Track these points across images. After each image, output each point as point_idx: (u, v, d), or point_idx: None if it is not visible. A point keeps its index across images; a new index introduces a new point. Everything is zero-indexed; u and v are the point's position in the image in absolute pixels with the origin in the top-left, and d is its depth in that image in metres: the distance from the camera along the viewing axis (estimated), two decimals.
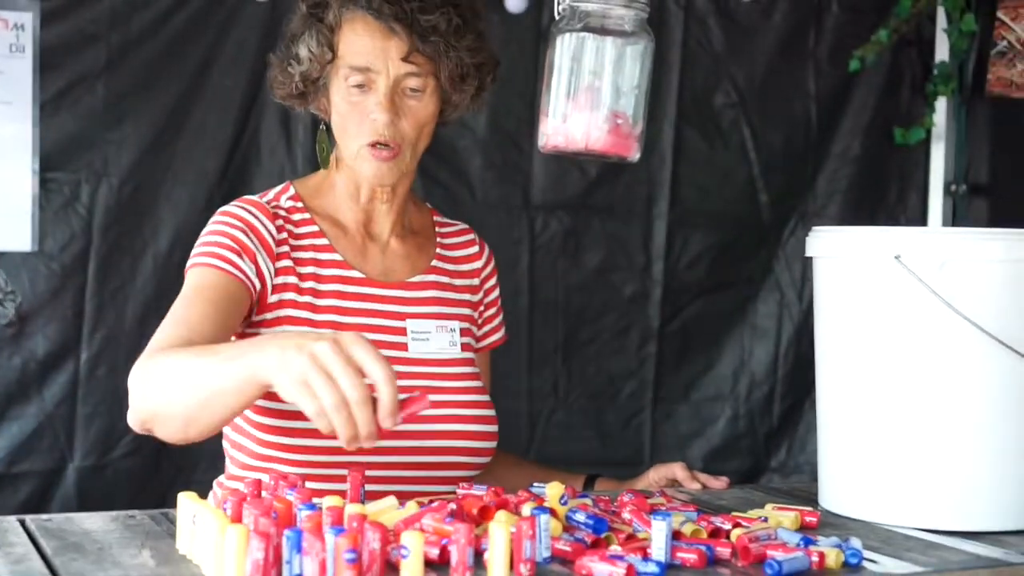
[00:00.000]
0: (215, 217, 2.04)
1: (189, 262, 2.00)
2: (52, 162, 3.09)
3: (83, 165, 3.11)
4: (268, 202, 2.07)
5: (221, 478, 2.14)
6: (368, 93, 2.00)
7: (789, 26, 3.74)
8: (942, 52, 3.80)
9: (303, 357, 1.49)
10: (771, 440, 3.78)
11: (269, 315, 2.00)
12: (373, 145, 1.99)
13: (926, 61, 3.83)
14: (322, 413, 1.48)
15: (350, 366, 1.49)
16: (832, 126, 3.81)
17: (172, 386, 1.70)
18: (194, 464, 3.14)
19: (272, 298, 2.00)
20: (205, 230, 2.03)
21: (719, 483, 2.12)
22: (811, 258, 1.98)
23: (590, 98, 1.63)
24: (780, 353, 3.77)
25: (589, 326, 3.63)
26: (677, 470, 2.14)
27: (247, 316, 1.99)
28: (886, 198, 3.89)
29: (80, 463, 3.14)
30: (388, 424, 1.49)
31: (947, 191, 3.85)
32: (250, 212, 2.02)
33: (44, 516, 1.75)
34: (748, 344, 3.77)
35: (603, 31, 1.64)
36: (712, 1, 3.64)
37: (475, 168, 3.48)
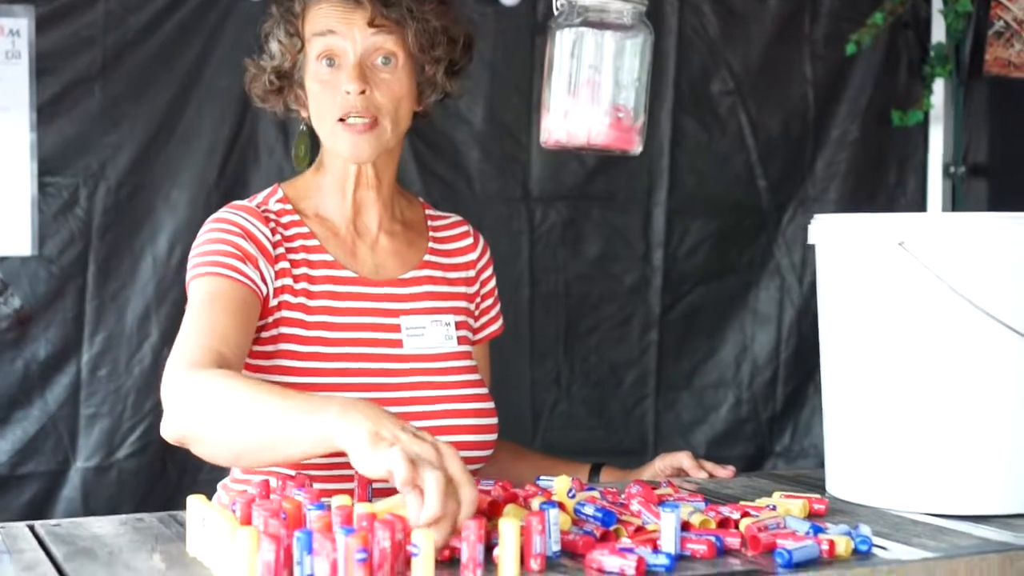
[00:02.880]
0: (209, 224, 2.02)
1: (191, 272, 1.98)
2: (50, 166, 3.09)
3: (81, 168, 3.12)
4: (258, 206, 2.06)
5: (226, 480, 2.13)
6: (338, 70, 2.00)
7: (784, 11, 3.74)
8: (939, 33, 3.80)
9: (401, 447, 1.47)
10: (775, 425, 3.79)
11: (270, 319, 2.00)
12: (344, 119, 1.99)
13: (923, 43, 3.84)
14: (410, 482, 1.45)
15: (444, 478, 1.47)
16: (830, 110, 3.81)
17: (229, 419, 1.66)
18: (199, 465, 3.14)
19: (272, 302, 2.00)
20: (201, 238, 2.01)
21: (726, 472, 2.11)
22: (813, 245, 1.98)
23: (591, 93, 1.63)
24: (782, 338, 3.78)
25: (590, 316, 3.63)
26: (683, 459, 2.14)
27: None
28: (885, 181, 3.89)
29: (83, 464, 3.14)
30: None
31: (946, 173, 3.85)
32: (244, 218, 2.01)
33: (52, 522, 1.75)
34: (750, 330, 3.77)
35: (602, 25, 1.64)
36: None
37: (473, 161, 3.48)
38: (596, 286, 3.65)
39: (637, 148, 1.68)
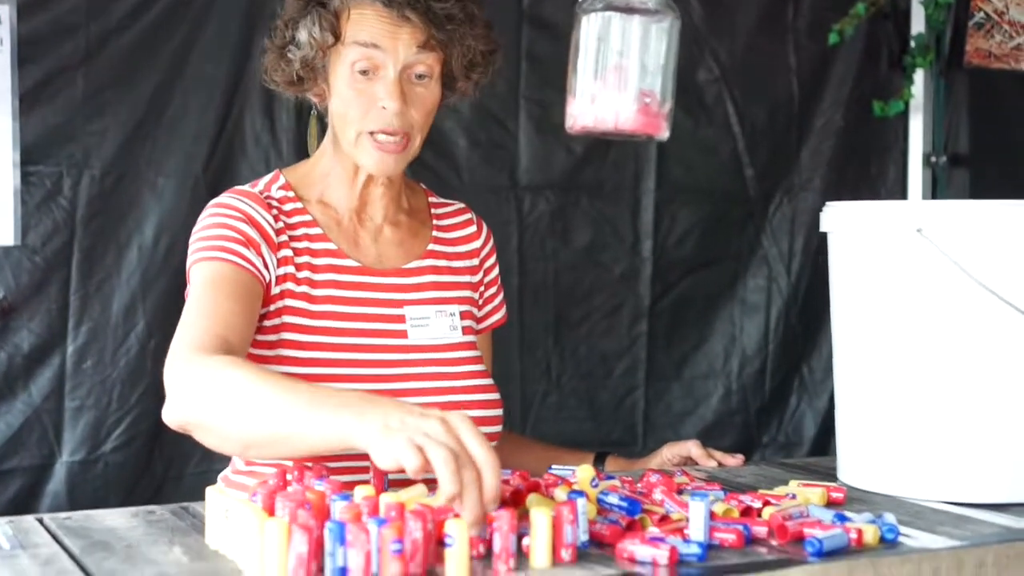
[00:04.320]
0: (210, 209, 1.99)
1: (192, 257, 1.95)
2: (33, 155, 3.03)
3: (64, 157, 3.06)
4: (260, 192, 2.03)
5: (226, 472, 2.10)
6: (374, 80, 1.96)
7: (768, 1, 3.74)
8: (919, 24, 3.81)
9: (408, 435, 1.43)
10: (763, 415, 3.79)
11: (272, 307, 1.97)
12: (376, 134, 1.96)
13: (903, 33, 3.84)
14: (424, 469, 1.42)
15: (461, 448, 1.43)
16: (814, 100, 3.81)
17: (239, 410, 1.61)
18: (187, 458, 3.10)
19: (275, 290, 1.97)
20: (202, 223, 1.98)
21: (735, 460, 2.11)
22: (826, 233, 1.97)
23: (618, 78, 1.61)
24: (770, 328, 3.78)
25: (580, 306, 3.62)
26: (692, 447, 2.13)
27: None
28: (868, 171, 3.90)
29: (69, 458, 3.09)
30: (490, 510, 1.43)
31: (926, 162, 3.86)
32: (246, 203, 1.98)
33: (63, 514, 1.72)
34: (738, 320, 3.77)
35: (628, 10, 1.62)
36: None
37: (461, 150, 3.45)
38: (586, 276, 3.63)
39: (664, 133, 1.67)
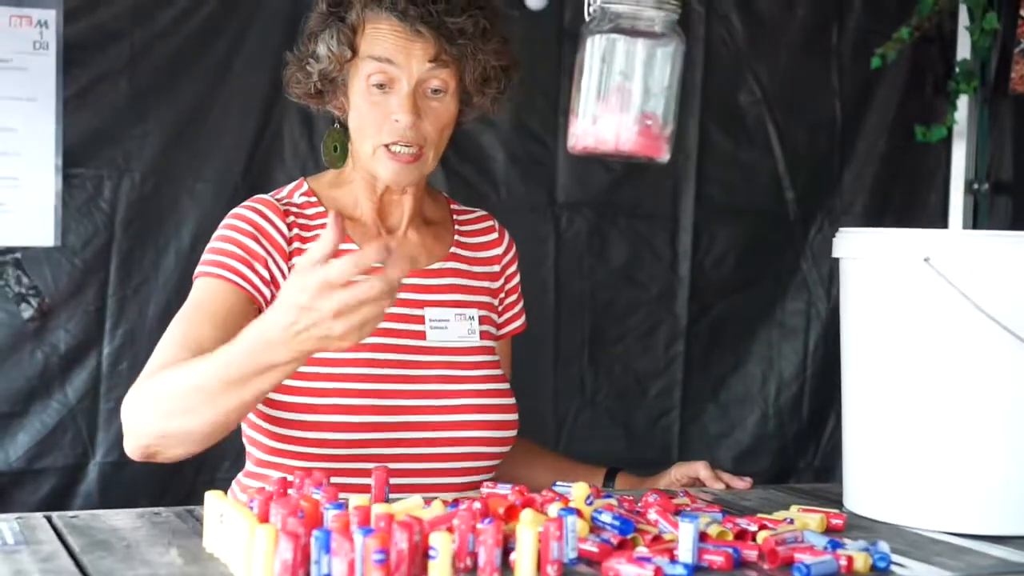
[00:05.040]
0: (226, 220, 2.04)
1: (198, 268, 2.01)
2: (75, 158, 3.09)
3: (106, 161, 3.11)
4: (280, 199, 2.07)
5: (239, 475, 2.14)
6: (389, 93, 1.99)
7: (812, 23, 3.73)
8: (964, 50, 3.78)
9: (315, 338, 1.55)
10: (800, 440, 3.76)
11: None
12: (391, 146, 1.99)
13: (948, 59, 3.82)
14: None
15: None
16: (857, 124, 3.80)
17: (182, 403, 1.74)
18: (218, 461, 3.14)
19: None
20: (216, 233, 2.04)
21: (743, 483, 2.11)
22: (838, 259, 1.98)
23: (620, 99, 1.63)
24: (808, 352, 3.76)
25: (616, 325, 3.61)
26: (700, 469, 2.14)
27: None
28: (909, 196, 3.87)
29: (102, 459, 3.14)
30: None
31: (968, 189, 3.83)
32: (259, 213, 2.02)
33: (70, 513, 1.75)
34: (776, 343, 3.75)
35: (633, 32, 1.64)
36: None
37: (500, 166, 3.47)
38: (622, 294, 3.63)
39: (665, 156, 1.67)
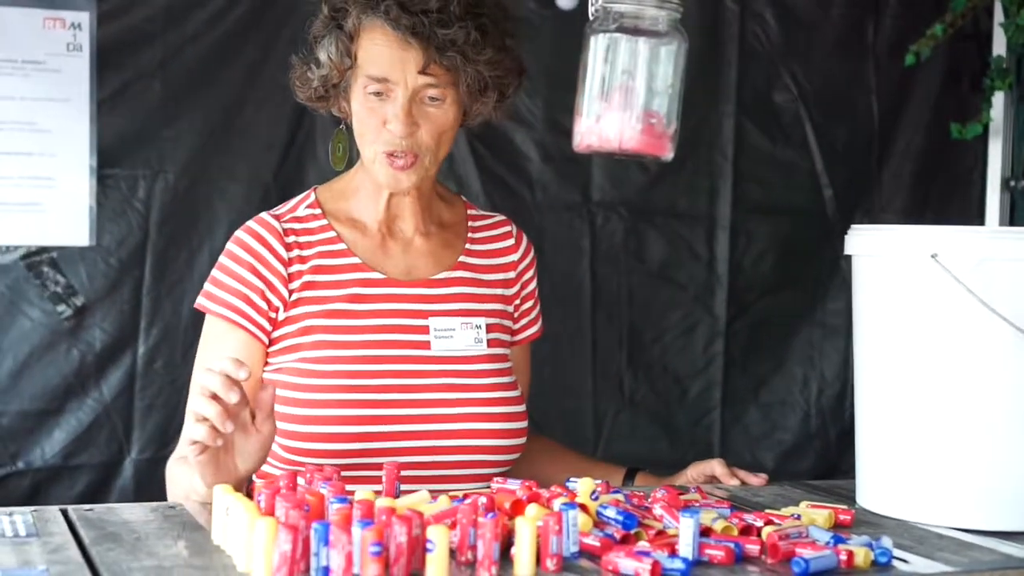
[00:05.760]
0: (227, 246, 2.10)
1: (202, 299, 2.09)
2: (109, 159, 3.14)
3: (140, 161, 3.16)
4: (283, 216, 2.10)
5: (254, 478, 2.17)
6: (386, 101, 2.01)
7: (847, 21, 3.72)
8: (999, 46, 3.75)
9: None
10: (843, 441, 3.73)
11: (292, 327, 2.05)
12: (390, 154, 2.02)
13: (984, 56, 3.79)
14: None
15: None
16: (894, 121, 3.77)
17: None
18: None
19: (292, 312, 2.05)
20: (219, 260, 2.10)
21: (758, 480, 2.11)
22: (850, 256, 1.98)
23: (623, 98, 1.63)
24: (850, 352, 3.72)
25: (654, 325, 3.60)
26: (716, 466, 2.14)
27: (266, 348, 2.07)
28: (948, 193, 3.85)
29: (137, 456, 3.18)
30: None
31: (1005, 186, 3.81)
32: (258, 238, 2.07)
33: (86, 507, 1.78)
34: (818, 343, 3.73)
35: (636, 31, 1.64)
36: None
37: (534, 166, 3.48)
38: (659, 294, 3.62)
39: (669, 154, 1.68)
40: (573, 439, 3.42)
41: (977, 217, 3.86)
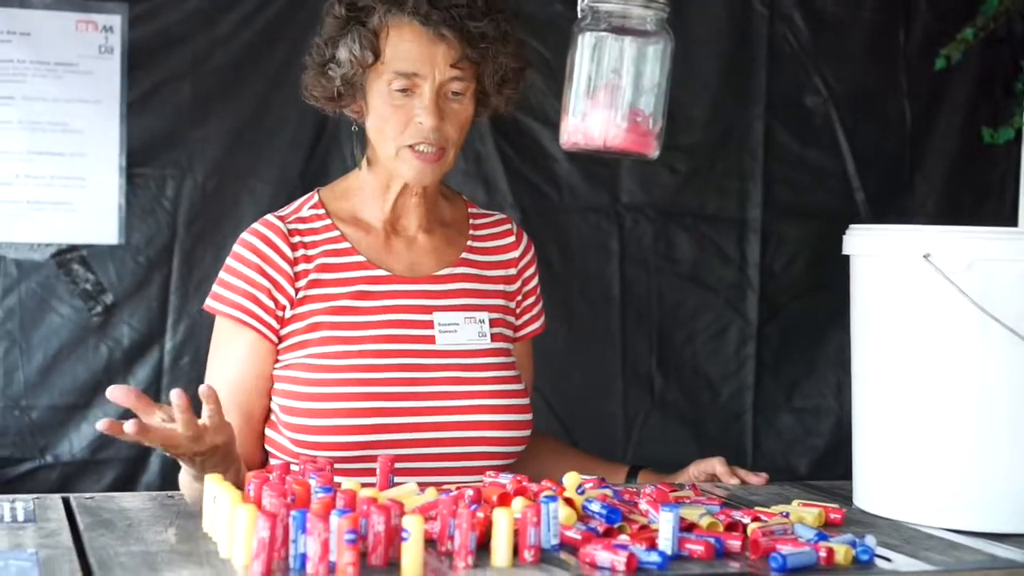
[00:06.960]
0: (235, 247, 2.13)
1: (211, 300, 2.12)
2: (139, 158, 3.19)
3: (169, 161, 3.21)
4: (288, 217, 2.13)
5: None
6: (412, 96, 2.04)
7: (877, 24, 3.70)
8: None
9: None
10: None
11: (300, 324, 2.08)
12: (415, 146, 2.04)
13: (1017, 60, 3.77)
14: None
15: None
16: (926, 124, 3.74)
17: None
18: None
19: (299, 310, 2.08)
20: (226, 262, 2.13)
21: (758, 479, 2.12)
22: (849, 256, 1.98)
23: (609, 96, 1.65)
24: None
25: (684, 327, 3.58)
26: (716, 465, 2.16)
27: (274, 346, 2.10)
28: (981, 197, 3.82)
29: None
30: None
31: None
32: (264, 239, 2.09)
33: (87, 495, 1.82)
34: (850, 347, 3.69)
35: (623, 31, 1.66)
36: None
37: (562, 167, 3.48)
38: (689, 297, 3.60)
39: (654, 152, 1.70)
40: (603, 442, 3.42)
41: (1011, 221, 3.83)
